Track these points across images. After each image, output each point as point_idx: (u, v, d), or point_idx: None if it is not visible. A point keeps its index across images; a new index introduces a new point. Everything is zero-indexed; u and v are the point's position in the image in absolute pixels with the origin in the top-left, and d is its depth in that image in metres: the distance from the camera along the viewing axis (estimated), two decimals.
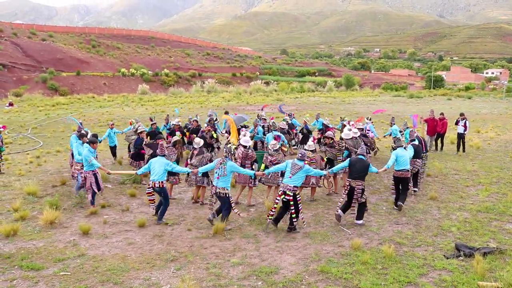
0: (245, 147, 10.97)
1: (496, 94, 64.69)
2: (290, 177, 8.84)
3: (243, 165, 10.70)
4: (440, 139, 18.46)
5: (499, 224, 9.36)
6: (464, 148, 17.77)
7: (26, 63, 64.80)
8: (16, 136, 22.46)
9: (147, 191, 9.76)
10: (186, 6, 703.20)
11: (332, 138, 12.70)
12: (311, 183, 11.02)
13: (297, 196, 8.84)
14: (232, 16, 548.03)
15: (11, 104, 39.63)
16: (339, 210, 9.40)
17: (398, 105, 42.61)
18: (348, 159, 9.95)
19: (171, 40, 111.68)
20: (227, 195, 9.17)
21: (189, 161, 11.08)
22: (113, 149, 16.07)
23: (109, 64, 74.75)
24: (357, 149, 11.62)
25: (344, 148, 12.31)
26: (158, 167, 9.48)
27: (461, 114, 18.27)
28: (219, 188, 9.15)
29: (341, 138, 12.73)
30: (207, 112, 18.94)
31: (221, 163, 9.19)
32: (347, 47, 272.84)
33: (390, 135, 16.84)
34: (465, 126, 17.70)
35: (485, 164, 15.57)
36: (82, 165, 10.72)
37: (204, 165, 10.23)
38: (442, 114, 18.49)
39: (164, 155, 9.83)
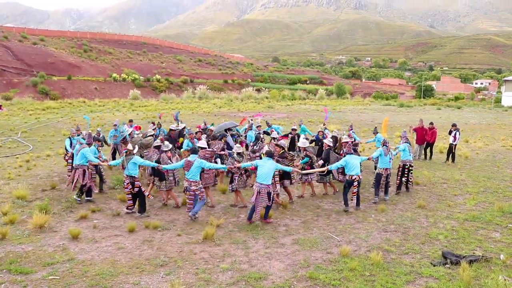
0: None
1: (485, 105, 65.40)
2: (410, 155, 13.00)
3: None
4: (429, 148, 18.65)
5: (485, 233, 9.48)
6: (453, 158, 17.96)
7: (17, 66, 64.50)
8: (5, 139, 22.32)
9: (354, 184, 10.91)
10: (179, 12, 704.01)
11: (283, 148, 12.15)
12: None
13: None
14: (225, 23, 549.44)
15: (0, 108, 39.39)
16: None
17: (388, 114, 42.94)
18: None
19: (163, 46, 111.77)
20: None
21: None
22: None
23: (100, 69, 74.60)
24: (314, 155, 12.67)
25: (304, 155, 12.41)
26: (355, 162, 11.10)
27: (453, 125, 18.45)
28: (391, 169, 12.25)
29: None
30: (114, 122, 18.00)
31: (389, 150, 12.06)
32: (338, 56, 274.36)
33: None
34: (454, 137, 17.88)
35: (473, 174, 15.75)
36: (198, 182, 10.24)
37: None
38: (431, 123, 18.67)
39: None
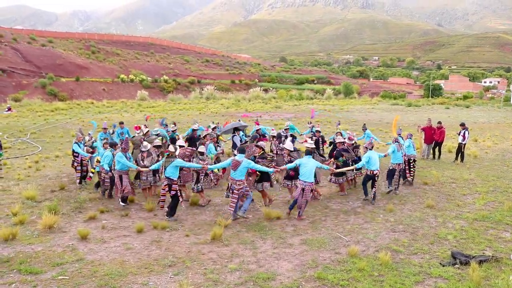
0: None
1: (494, 103, 64.96)
2: (414, 150, 14.11)
3: None
4: (437, 147, 18.55)
5: (495, 233, 9.41)
6: (462, 158, 17.85)
7: (26, 68, 64.87)
8: (15, 141, 22.49)
9: (376, 179, 11.67)
10: (186, 13, 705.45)
11: (263, 149, 11.77)
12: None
13: None
14: (232, 23, 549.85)
15: (9, 109, 39.69)
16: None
17: (396, 114, 42.72)
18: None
19: (171, 46, 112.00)
20: None
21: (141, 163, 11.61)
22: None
23: (108, 70, 74.90)
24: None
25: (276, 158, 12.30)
26: (376, 157, 11.83)
27: (462, 124, 18.35)
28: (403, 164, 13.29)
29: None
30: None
31: (401, 147, 12.96)
32: (346, 55, 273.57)
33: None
34: (463, 136, 17.77)
35: (482, 173, 15.65)
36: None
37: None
38: (439, 122, 18.57)
39: None
